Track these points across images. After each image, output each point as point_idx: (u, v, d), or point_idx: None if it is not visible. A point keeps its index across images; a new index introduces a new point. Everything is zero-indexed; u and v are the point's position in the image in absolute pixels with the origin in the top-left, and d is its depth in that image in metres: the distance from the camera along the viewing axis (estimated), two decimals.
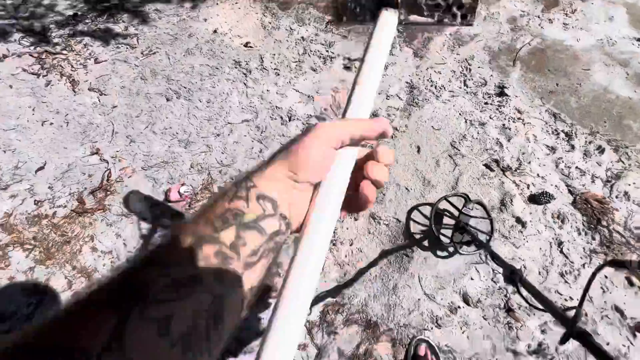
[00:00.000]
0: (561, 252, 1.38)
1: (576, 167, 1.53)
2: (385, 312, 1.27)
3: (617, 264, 0.45)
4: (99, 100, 1.65)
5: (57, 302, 1.20)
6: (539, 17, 1.98)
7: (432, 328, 1.26)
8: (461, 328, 1.27)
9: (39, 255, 1.27)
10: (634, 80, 1.75)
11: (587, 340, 0.47)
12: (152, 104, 1.65)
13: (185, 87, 1.71)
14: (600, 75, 1.77)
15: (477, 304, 1.30)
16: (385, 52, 0.37)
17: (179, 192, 1.40)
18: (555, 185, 1.51)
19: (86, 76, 1.72)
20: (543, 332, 1.28)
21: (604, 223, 1.41)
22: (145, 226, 1.35)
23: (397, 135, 1.59)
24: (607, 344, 1.22)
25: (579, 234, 1.42)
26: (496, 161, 1.52)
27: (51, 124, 1.58)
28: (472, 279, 1.33)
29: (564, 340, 0.50)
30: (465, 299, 1.31)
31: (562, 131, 1.61)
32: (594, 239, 1.39)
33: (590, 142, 1.58)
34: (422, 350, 1.17)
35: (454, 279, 1.33)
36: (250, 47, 1.87)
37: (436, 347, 1.21)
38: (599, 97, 1.71)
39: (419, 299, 1.30)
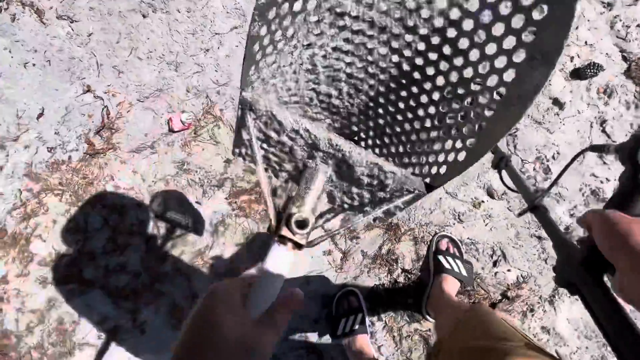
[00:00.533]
0: (603, 131, 1.24)
1: (637, 26, 1.24)
2: (405, 214, 1.28)
3: (596, 149, 0.45)
4: (72, 29, 1.48)
5: (101, 238, 1.31)
6: None
7: (454, 224, 1.26)
8: (484, 221, 1.26)
9: (70, 198, 1.34)
10: None
11: (539, 213, 0.52)
12: (129, 23, 1.46)
13: None
14: None
15: (502, 196, 1.26)
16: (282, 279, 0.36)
17: (181, 120, 1.33)
18: (607, 54, 1.26)
19: (49, 2, 1.52)
20: (572, 215, 1.25)
21: None
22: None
23: None
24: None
25: (628, 108, 1.24)
26: None
27: (33, 65, 1.47)
28: None
29: (520, 213, 0.58)
30: (490, 193, 1.27)
31: None
32: None
33: None
34: (444, 244, 1.20)
35: (478, 174, 1.27)
36: None
37: (458, 241, 1.23)
38: None
39: (440, 198, 1.28)
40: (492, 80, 0.38)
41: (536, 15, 0.31)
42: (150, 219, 1.32)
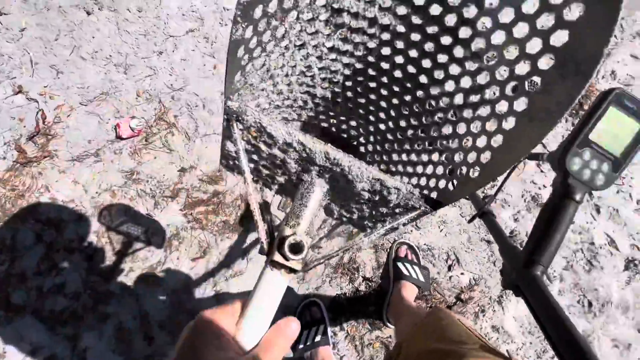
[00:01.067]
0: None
1: None
2: None
3: (533, 157, 0.47)
4: (0, 23, 1.32)
5: (30, 256, 1.17)
6: None
7: (411, 230, 1.31)
8: (439, 227, 1.32)
9: None
10: None
11: (487, 219, 0.55)
12: (70, 20, 1.34)
13: None
14: None
15: (455, 203, 1.33)
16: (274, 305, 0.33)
17: (130, 126, 1.24)
18: None
19: None
20: (516, 220, 1.35)
21: None
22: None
23: None
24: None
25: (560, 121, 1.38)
26: None
27: None
28: None
29: (471, 219, 0.60)
30: None
31: None
32: None
33: None
34: (403, 251, 1.24)
35: None
36: None
37: (415, 247, 1.27)
38: None
39: None
40: (512, 89, 0.33)
41: (569, 14, 0.26)
42: (92, 234, 1.20)
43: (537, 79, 0.31)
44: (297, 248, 0.33)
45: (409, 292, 1.14)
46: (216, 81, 1.33)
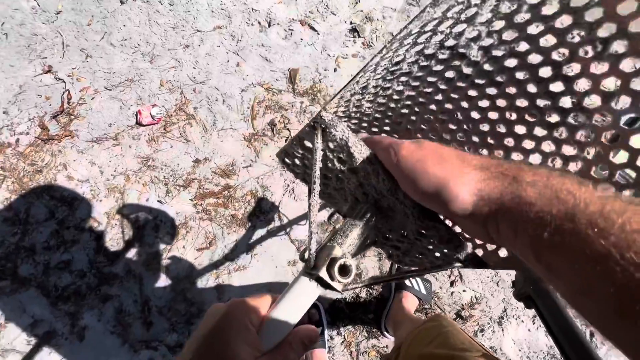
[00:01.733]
0: None
1: None
2: None
3: None
4: (37, 4, 1.38)
5: (41, 231, 1.19)
6: None
7: None
8: None
9: (12, 185, 1.21)
10: None
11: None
12: (104, 7, 1.39)
13: None
14: None
15: None
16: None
17: (150, 114, 1.27)
18: None
19: None
20: None
21: None
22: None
23: None
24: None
25: None
26: None
27: None
28: None
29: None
30: None
31: None
32: None
33: None
34: None
35: None
36: None
37: None
38: None
39: None
40: None
41: None
42: (103, 215, 1.23)
43: None
44: (345, 270, 0.32)
45: (410, 303, 1.14)
46: (238, 78, 1.37)
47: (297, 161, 0.44)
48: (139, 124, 1.28)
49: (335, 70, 1.39)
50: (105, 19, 1.38)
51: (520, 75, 0.37)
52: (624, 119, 0.31)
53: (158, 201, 1.25)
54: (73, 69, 1.33)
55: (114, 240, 1.22)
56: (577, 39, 0.32)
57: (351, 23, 1.42)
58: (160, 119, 1.29)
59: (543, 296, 0.37)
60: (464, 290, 1.29)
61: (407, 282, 1.17)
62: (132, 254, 1.22)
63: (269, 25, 1.40)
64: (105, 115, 1.30)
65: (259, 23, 1.40)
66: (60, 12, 1.38)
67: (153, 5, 1.40)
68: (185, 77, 1.35)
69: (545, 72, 0.35)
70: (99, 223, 1.22)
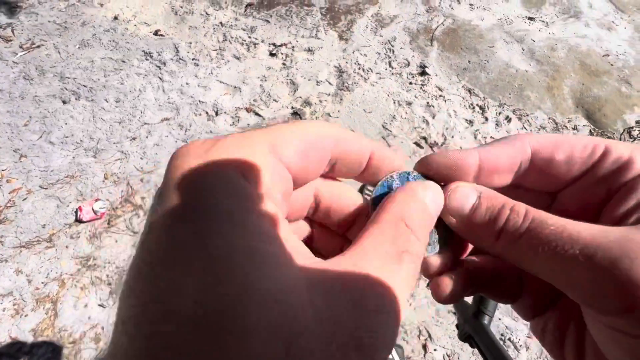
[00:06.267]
0: None
1: (491, 137, 1.69)
2: None
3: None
4: None
5: None
6: None
7: None
8: (407, 300, 1.34)
9: None
10: (528, 55, 1.98)
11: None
12: (44, 108, 1.39)
13: (85, 86, 1.46)
14: (502, 52, 1.96)
15: (420, 274, 1.38)
16: None
17: (93, 209, 1.21)
18: None
19: None
20: None
21: None
22: None
23: (331, 121, 1.57)
24: None
25: None
26: (424, 138, 1.61)
27: None
28: None
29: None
30: None
31: (477, 105, 1.76)
32: None
33: (499, 113, 1.75)
34: None
35: None
36: (162, 35, 1.66)
37: None
38: (503, 71, 1.90)
39: None
40: None
41: None
42: (29, 333, 1.05)
43: None
44: None
45: None
46: None
47: None
48: (79, 221, 1.20)
49: None
50: (45, 119, 1.37)
51: None
52: None
53: (99, 305, 1.12)
54: (3, 170, 1.25)
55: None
56: None
57: (292, 107, 1.59)
58: (104, 213, 1.23)
59: (479, 331, 0.42)
60: (435, 350, 1.29)
61: None
62: None
63: (217, 114, 1.51)
64: (39, 216, 1.21)
65: (207, 113, 1.50)
66: None
67: (98, 103, 1.43)
68: (132, 168, 1.34)
69: None
70: (22, 344, 1.03)
